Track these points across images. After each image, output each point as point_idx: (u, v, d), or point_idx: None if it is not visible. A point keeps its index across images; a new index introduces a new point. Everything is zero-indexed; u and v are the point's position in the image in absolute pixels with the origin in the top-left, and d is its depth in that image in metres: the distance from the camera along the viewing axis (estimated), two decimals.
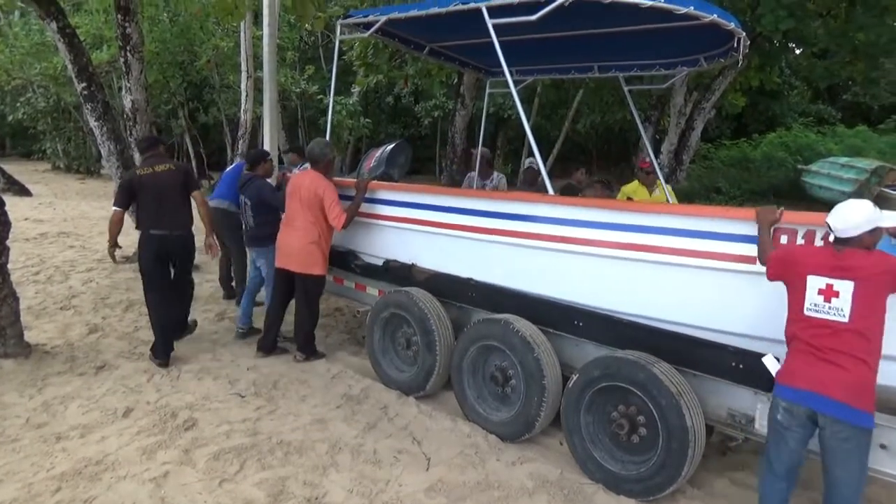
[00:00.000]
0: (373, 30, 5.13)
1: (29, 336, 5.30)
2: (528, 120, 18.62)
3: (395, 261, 5.01)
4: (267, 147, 6.66)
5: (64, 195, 16.28)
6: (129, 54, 7.39)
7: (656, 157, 11.49)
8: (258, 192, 5.46)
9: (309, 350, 5.21)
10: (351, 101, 16.43)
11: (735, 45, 4.32)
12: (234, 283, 6.77)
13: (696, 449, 3.25)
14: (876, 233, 2.67)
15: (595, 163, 23.65)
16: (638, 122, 6.64)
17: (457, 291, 4.53)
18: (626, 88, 6.18)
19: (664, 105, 12.59)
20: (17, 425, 3.98)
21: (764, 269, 2.97)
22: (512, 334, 3.92)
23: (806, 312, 2.71)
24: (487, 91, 7.09)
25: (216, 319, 6.24)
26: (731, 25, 3.75)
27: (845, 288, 2.61)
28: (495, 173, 6.93)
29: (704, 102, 11.53)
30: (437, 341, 4.39)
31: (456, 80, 12.85)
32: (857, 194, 8.81)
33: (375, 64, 12.48)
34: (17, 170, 19.65)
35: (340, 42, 5.42)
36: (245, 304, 5.76)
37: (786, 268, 2.82)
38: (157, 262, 4.91)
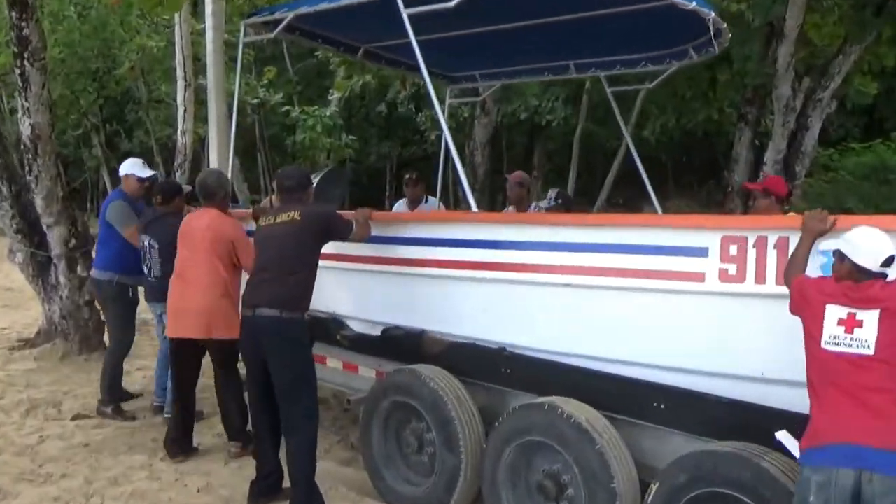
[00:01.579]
0: (279, 29, 5.77)
1: None
2: (578, 125, 18.93)
3: (398, 328, 5.08)
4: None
5: None
6: (27, 63, 7.59)
7: (758, 169, 11.56)
8: (171, 234, 5.68)
9: (244, 436, 5.48)
10: (328, 113, 16.75)
11: (711, 34, 5.00)
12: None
13: None
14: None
15: (671, 181, 23.76)
16: (624, 130, 7.86)
17: (484, 367, 4.61)
18: (609, 90, 7.15)
19: (764, 98, 12.69)
20: None
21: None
22: (562, 422, 3.95)
23: (824, 346, 2.97)
24: (447, 102, 8.06)
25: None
26: (691, 5, 4.43)
27: (870, 318, 2.90)
28: (533, 204, 7.03)
29: (821, 91, 11.58)
30: (460, 434, 4.43)
31: None
32: None
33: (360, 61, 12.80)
34: None
35: (246, 46, 5.91)
36: (160, 372, 6.37)
37: (803, 299, 3.13)
38: None
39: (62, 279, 8.14)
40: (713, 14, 4.71)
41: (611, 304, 4.04)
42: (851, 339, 2.91)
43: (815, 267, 3.35)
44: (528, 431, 4.12)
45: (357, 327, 5.43)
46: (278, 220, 4.66)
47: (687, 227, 3.86)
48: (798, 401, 3.20)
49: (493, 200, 16.13)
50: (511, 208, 7.10)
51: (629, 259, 3.93)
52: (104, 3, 15.77)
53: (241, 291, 5.19)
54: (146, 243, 6.02)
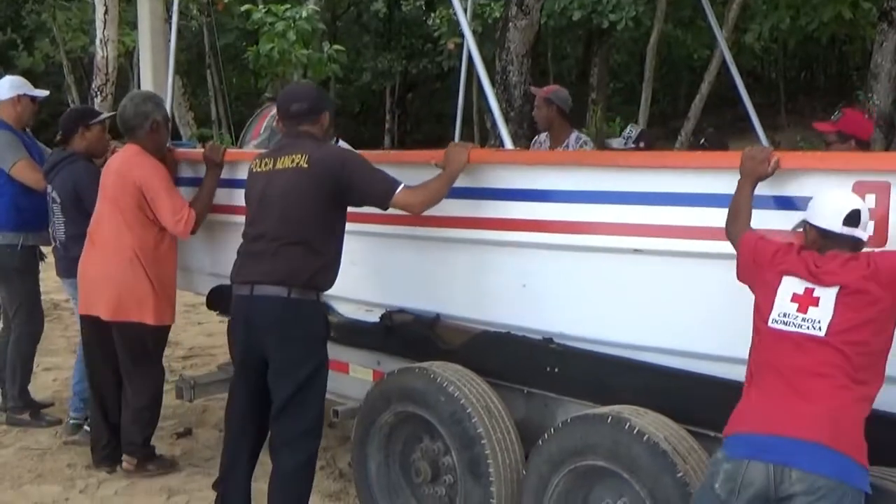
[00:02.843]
0: None
1: None
2: (654, 29, 18.78)
3: (404, 311, 5.11)
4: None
5: None
6: None
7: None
8: (74, 181, 5.83)
9: (143, 451, 5.71)
10: (304, 14, 16.69)
11: None
12: None
13: None
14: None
15: (784, 107, 23.66)
16: (719, 35, 7.70)
17: (522, 365, 4.61)
18: None
19: None
20: None
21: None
22: (631, 441, 3.95)
23: (771, 324, 3.34)
24: None
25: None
26: None
27: (827, 295, 3.26)
28: (574, 134, 7.03)
29: None
30: (489, 456, 4.43)
31: None
32: None
33: None
34: None
35: None
36: (79, 376, 6.38)
37: (756, 263, 3.50)
38: None
39: None
40: None
41: (705, 277, 3.99)
42: (803, 318, 3.26)
43: None
44: (584, 454, 4.11)
45: (347, 310, 5.45)
46: (278, 166, 4.58)
47: (821, 170, 3.77)
48: None
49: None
50: (543, 137, 7.09)
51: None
52: None
53: (169, 262, 5.49)
54: (50, 196, 6.07)
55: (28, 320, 6.73)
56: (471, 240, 4.76)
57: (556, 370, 4.49)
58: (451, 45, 20.97)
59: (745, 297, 3.62)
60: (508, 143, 4.84)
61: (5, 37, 23.20)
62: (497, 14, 16.09)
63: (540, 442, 4.30)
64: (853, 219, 3.30)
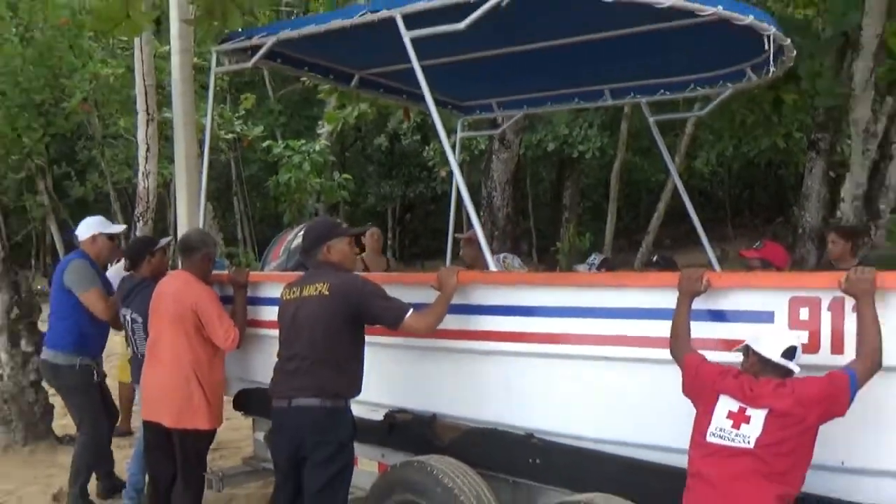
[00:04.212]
0: (258, 56, 5.80)
1: None
2: (617, 157, 19.02)
3: (404, 411, 5.10)
4: (184, 228, 6.92)
5: None
6: None
7: (834, 206, 11.55)
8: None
9: None
10: (317, 148, 16.92)
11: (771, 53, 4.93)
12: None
13: None
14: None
15: (730, 222, 23.82)
16: (670, 164, 8.28)
17: (507, 458, 4.59)
18: (651, 119, 7.22)
19: (839, 121, 12.73)
20: None
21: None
22: None
23: (709, 438, 3.47)
24: (458, 135, 8.28)
25: None
26: (747, 19, 4.39)
27: (758, 416, 3.40)
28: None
29: None
30: None
31: None
32: None
33: None
34: None
35: (219, 77, 5.98)
36: (134, 469, 6.31)
37: (699, 382, 3.63)
38: None
39: (3, 356, 8.21)
40: (773, 28, 4.65)
41: (661, 380, 3.99)
42: (736, 434, 3.41)
43: None
44: None
45: (355, 411, 5.42)
46: (305, 294, 4.65)
47: (748, 288, 3.93)
48: None
49: (517, 250, 16.21)
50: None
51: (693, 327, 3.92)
52: (51, 23, 16.01)
53: (218, 373, 5.51)
54: (128, 317, 6.05)
55: (91, 432, 6.56)
56: (461, 349, 4.78)
57: (538, 462, 4.47)
58: (443, 173, 21.20)
59: None
60: (492, 266, 4.91)
61: (60, 170, 23.39)
62: (483, 146, 16.28)
63: None
64: (790, 353, 3.45)
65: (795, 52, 5.49)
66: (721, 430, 3.45)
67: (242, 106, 18.29)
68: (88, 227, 6.73)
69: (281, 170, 16.65)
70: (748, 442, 3.37)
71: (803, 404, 3.35)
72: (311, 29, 5.42)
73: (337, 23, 5.25)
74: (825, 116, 12.17)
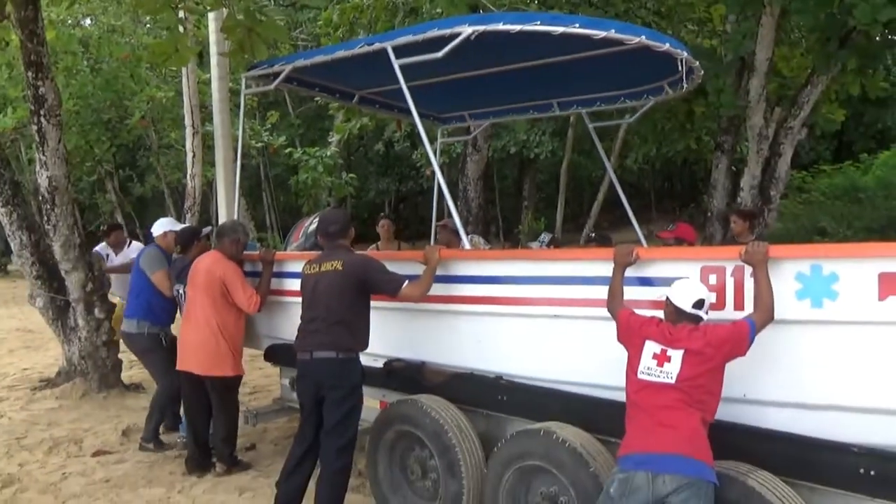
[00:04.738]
0: (278, 80, 5.89)
1: None
2: (565, 158, 19.02)
3: (400, 360, 5.11)
4: (223, 219, 6.88)
5: None
6: (43, 120, 7.61)
7: (735, 194, 11.59)
8: None
9: (230, 460, 5.74)
10: (328, 153, 16.87)
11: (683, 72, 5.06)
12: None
13: None
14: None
15: (654, 206, 23.85)
16: (606, 162, 8.50)
17: (481, 395, 4.62)
18: (590, 126, 7.39)
19: (739, 127, 12.78)
20: None
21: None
22: (557, 447, 3.94)
23: (639, 375, 3.50)
24: (439, 142, 8.33)
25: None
26: (664, 46, 4.60)
27: (677, 355, 3.45)
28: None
29: (791, 120, 11.67)
30: (461, 460, 4.42)
31: None
32: None
33: None
34: None
35: (248, 97, 6.01)
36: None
37: (629, 331, 3.65)
38: None
39: (80, 321, 8.15)
40: (685, 53, 4.79)
41: (604, 333, 4.03)
42: (661, 371, 3.44)
43: (791, 293, 3.48)
44: (525, 456, 4.10)
45: (362, 360, 5.43)
46: (322, 269, 4.65)
47: (669, 260, 3.99)
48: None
49: (487, 232, 16.18)
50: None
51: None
52: (115, 57, 15.97)
53: (240, 331, 5.66)
54: (180, 291, 6.14)
55: (163, 383, 6.47)
56: (443, 311, 4.81)
57: (505, 398, 4.51)
58: (428, 172, 21.11)
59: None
60: (466, 244, 4.96)
61: (125, 173, 23.26)
62: (459, 150, 16.23)
63: (495, 449, 4.31)
64: (699, 304, 3.50)
65: (703, 72, 5.57)
66: (648, 368, 3.48)
67: (269, 121, 18.25)
68: (161, 226, 6.83)
69: (300, 171, 16.59)
70: (671, 377, 3.42)
71: (713, 345, 3.40)
72: (320, 58, 5.49)
73: (341, 53, 5.32)
74: (728, 123, 12.20)
